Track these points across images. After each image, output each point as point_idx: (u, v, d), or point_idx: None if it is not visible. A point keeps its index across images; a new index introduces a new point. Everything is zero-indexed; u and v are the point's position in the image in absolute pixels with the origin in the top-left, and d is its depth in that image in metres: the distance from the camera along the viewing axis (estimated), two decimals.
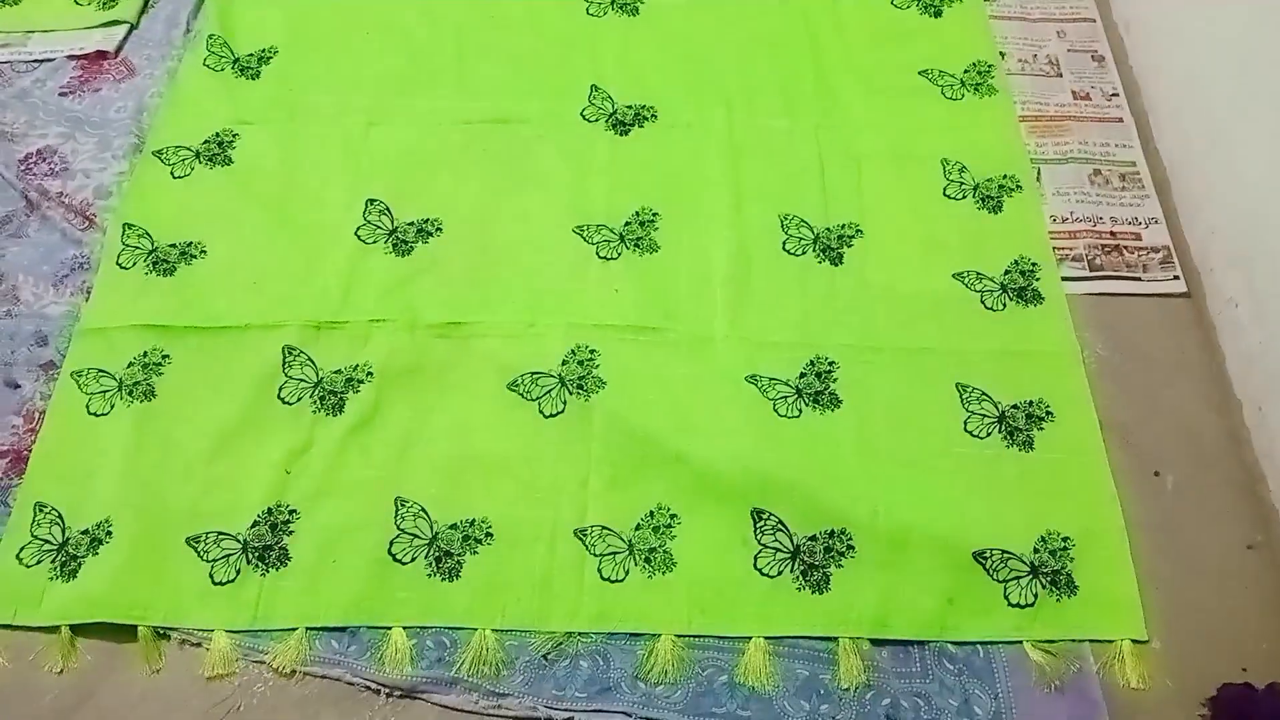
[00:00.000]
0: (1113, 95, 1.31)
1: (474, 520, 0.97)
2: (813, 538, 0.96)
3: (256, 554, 0.95)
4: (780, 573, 0.95)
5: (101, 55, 1.33)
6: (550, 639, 0.92)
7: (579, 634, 0.92)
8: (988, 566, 0.95)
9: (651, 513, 0.98)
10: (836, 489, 0.99)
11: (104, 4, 1.38)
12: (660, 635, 0.92)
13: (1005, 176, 1.22)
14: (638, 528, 0.97)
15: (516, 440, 1.02)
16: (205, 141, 1.24)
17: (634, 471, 1.00)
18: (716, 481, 0.99)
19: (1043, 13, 1.40)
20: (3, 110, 1.27)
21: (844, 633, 0.92)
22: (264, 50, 1.33)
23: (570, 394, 1.04)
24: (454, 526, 0.97)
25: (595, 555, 0.96)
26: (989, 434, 1.03)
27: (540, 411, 1.04)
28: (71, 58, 1.33)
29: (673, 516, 0.97)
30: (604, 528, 0.97)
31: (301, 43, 1.34)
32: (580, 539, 0.96)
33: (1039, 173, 1.23)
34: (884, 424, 1.03)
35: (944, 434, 1.03)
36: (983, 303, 1.12)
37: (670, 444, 1.01)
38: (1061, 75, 1.33)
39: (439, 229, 1.17)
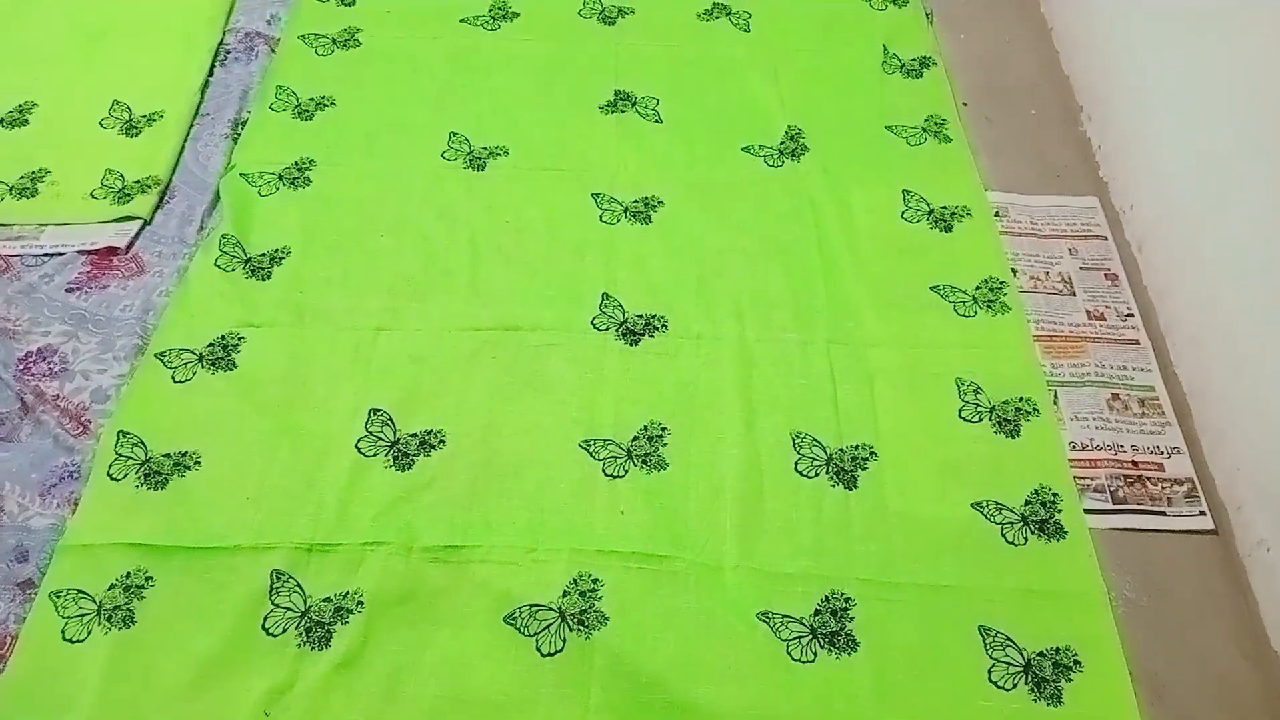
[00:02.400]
0: (1128, 315, 1.30)
1: None
2: None
3: None
4: None
5: (112, 251, 1.33)
6: None
7: None
8: None
9: None
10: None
11: (119, 199, 1.39)
12: None
13: (1021, 399, 1.19)
14: None
15: (511, 681, 0.96)
16: (210, 344, 1.22)
17: (636, 716, 0.93)
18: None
19: (1053, 229, 1.40)
20: (8, 306, 1.26)
21: None
22: (277, 250, 1.33)
23: (570, 630, 0.99)
24: None
25: None
26: (1015, 685, 0.97)
27: (538, 649, 0.98)
28: (82, 253, 1.33)
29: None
30: None
31: (316, 243, 1.34)
32: None
33: (1055, 396, 1.21)
34: (904, 672, 0.97)
35: (968, 684, 0.97)
36: (1004, 536, 1.07)
37: (676, 691, 0.95)
38: (1075, 294, 1.33)
39: (442, 441, 1.13)
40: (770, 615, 1.00)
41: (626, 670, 0.96)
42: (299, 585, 1.01)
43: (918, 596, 1.02)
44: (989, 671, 0.97)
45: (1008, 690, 0.96)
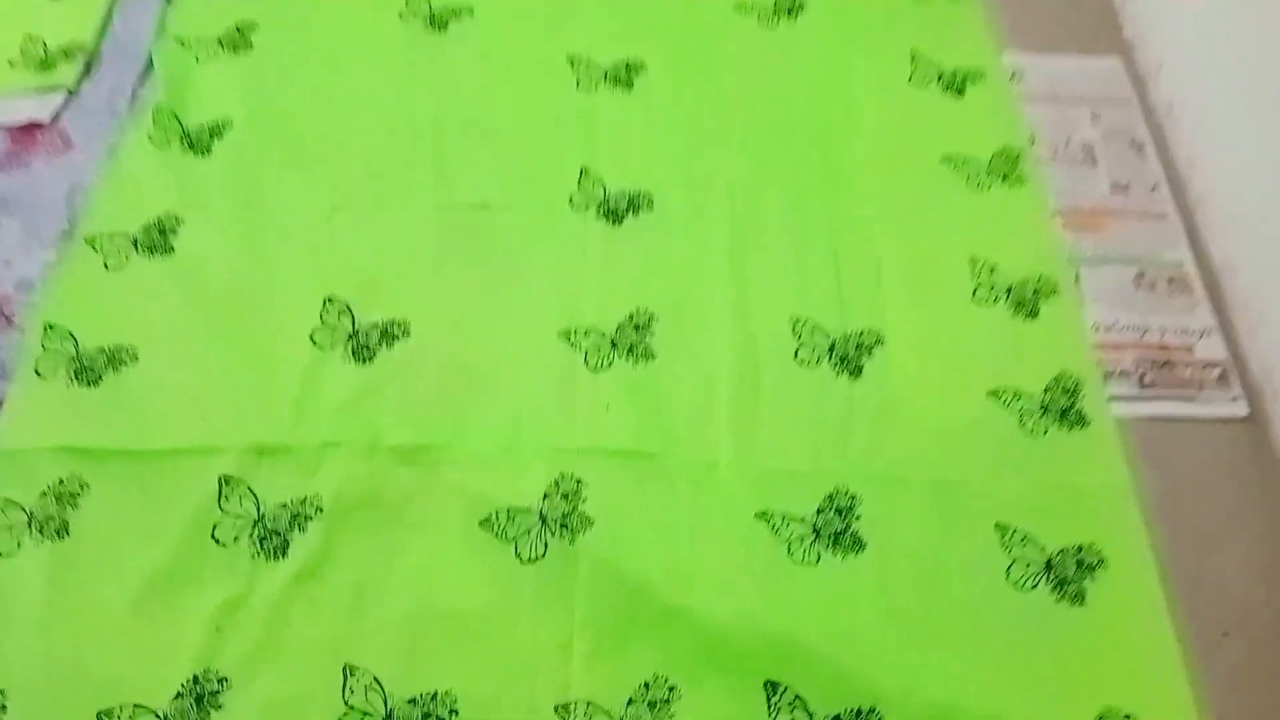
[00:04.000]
0: (1154, 187, 1.20)
1: (436, 694, 0.82)
2: (837, 717, 0.82)
3: None
4: None
5: (34, 126, 1.19)
6: None
7: None
8: None
9: (646, 685, 0.83)
10: (863, 656, 0.84)
11: (41, 68, 1.24)
12: None
13: (1040, 279, 1.09)
14: (630, 703, 0.82)
15: (489, 592, 0.87)
16: (145, 228, 1.10)
17: (625, 633, 0.85)
18: (723, 646, 0.84)
19: (1073, 92, 1.28)
20: None
21: None
22: (217, 123, 1.19)
23: (552, 535, 0.90)
24: (413, 701, 0.82)
25: None
26: (1035, 585, 0.89)
27: (517, 555, 0.89)
28: (0, 129, 1.19)
29: (671, 690, 0.83)
30: (590, 704, 0.82)
31: (260, 115, 1.20)
32: (562, 718, 0.81)
33: (1077, 275, 1.11)
34: (914, 573, 0.90)
35: (983, 585, 0.89)
36: (1022, 426, 0.99)
37: (667, 598, 0.86)
38: (1097, 164, 1.21)
39: (406, 332, 1.03)
40: (769, 515, 0.92)
41: (614, 577, 0.88)
42: (251, 491, 0.92)
43: (929, 493, 0.94)
44: (1007, 571, 0.90)
45: (1027, 590, 0.89)
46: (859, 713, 0.82)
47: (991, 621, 0.87)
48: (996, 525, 0.92)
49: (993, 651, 0.86)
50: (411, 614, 0.86)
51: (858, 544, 0.91)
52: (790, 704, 0.82)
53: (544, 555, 0.89)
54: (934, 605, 0.88)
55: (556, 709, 0.82)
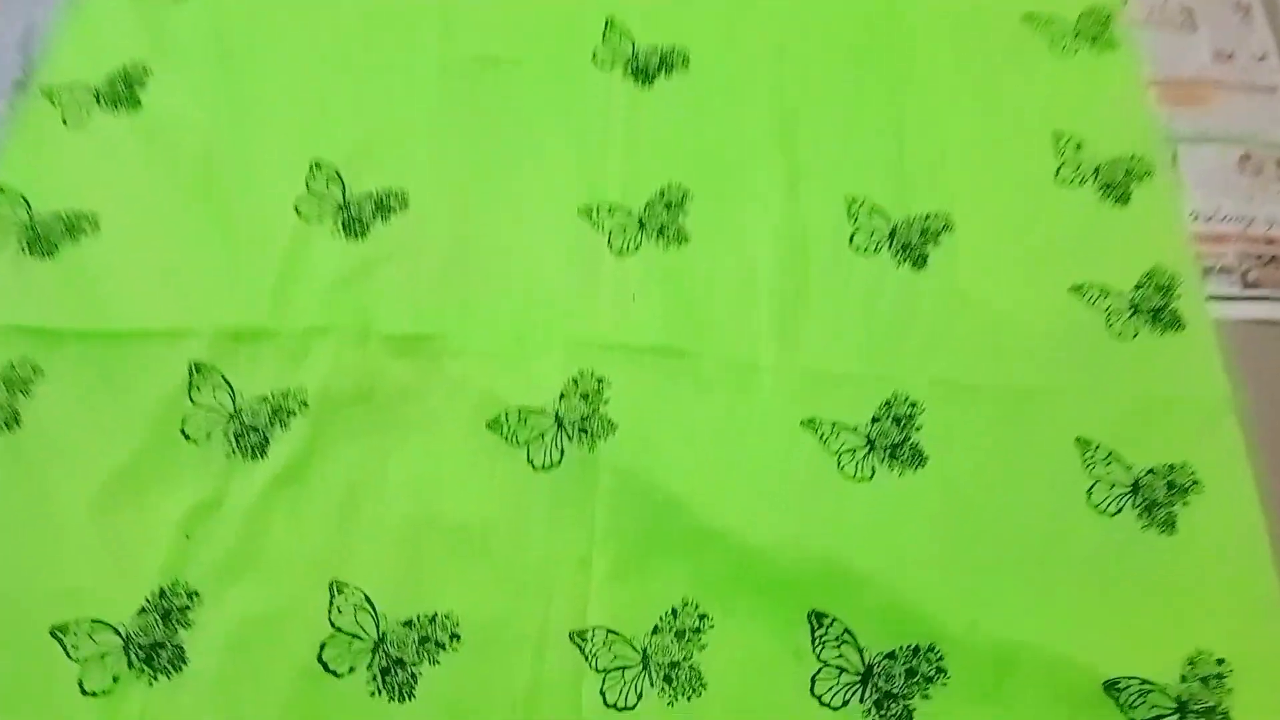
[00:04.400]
0: (1263, 57, 1.04)
1: (435, 616, 0.72)
2: (890, 655, 0.72)
3: (142, 654, 0.71)
4: (846, 702, 0.71)
5: None
6: None
7: None
8: (1122, 701, 0.71)
9: (674, 611, 0.73)
10: (921, 586, 0.74)
11: None
12: None
13: (1132, 158, 0.95)
14: (655, 632, 0.72)
15: (497, 502, 0.77)
16: (109, 78, 0.96)
17: (651, 553, 0.75)
18: (762, 570, 0.74)
19: None
20: None
21: None
22: None
23: (569, 440, 0.79)
24: (408, 624, 0.72)
25: (598, 671, 0.71)
26: (1119, 508, 0.78)
27: (529, 461, 0.78)
28: None
29: (702, 618, 0.73)
30: (610, 631, 0.72)
31: None
32: (578, 646, 0.72)
33: (1174, 155, 0.96)
34: (982, 492, 0.78)
35: (1062, 508, 0.78)
36: (1109, 327, 0.86)
37: (700, 515, 0.75)
38: (1198, 29, 1.05)
39: (404, 203, 0.90)
40: (818, 423, 0.80)
41: (639, 489, 0.77)
42: (226, 380, 0.80)
43: (1001, 401, 0.82)
44: (1088, 492, 0.78)
45: (1110, 515, 0.78)
46: (915, 650, 0.72)
47: (1068, 550, 0.76)
48: (1077, 440, 0.80)
49: (1068, 585, 0.75)
50: (408, 525, 0.75)
51: (917, 458, 0.80)
52: (838, 638, 0.72)
53: (559, 462, 0.78)
54: (1003, 530, 0.77)
55: (572, 636, 0.72)
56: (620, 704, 0.70)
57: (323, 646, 0.71)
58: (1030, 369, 0.84)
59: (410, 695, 0.70)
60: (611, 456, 0.78)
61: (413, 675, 0.70)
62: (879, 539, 0.76)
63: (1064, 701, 0.71)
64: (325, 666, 0.70)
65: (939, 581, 0.74)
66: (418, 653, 0.71)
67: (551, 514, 0.76)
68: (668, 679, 0.71)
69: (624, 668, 0.71)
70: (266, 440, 0.78)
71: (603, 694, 0.70)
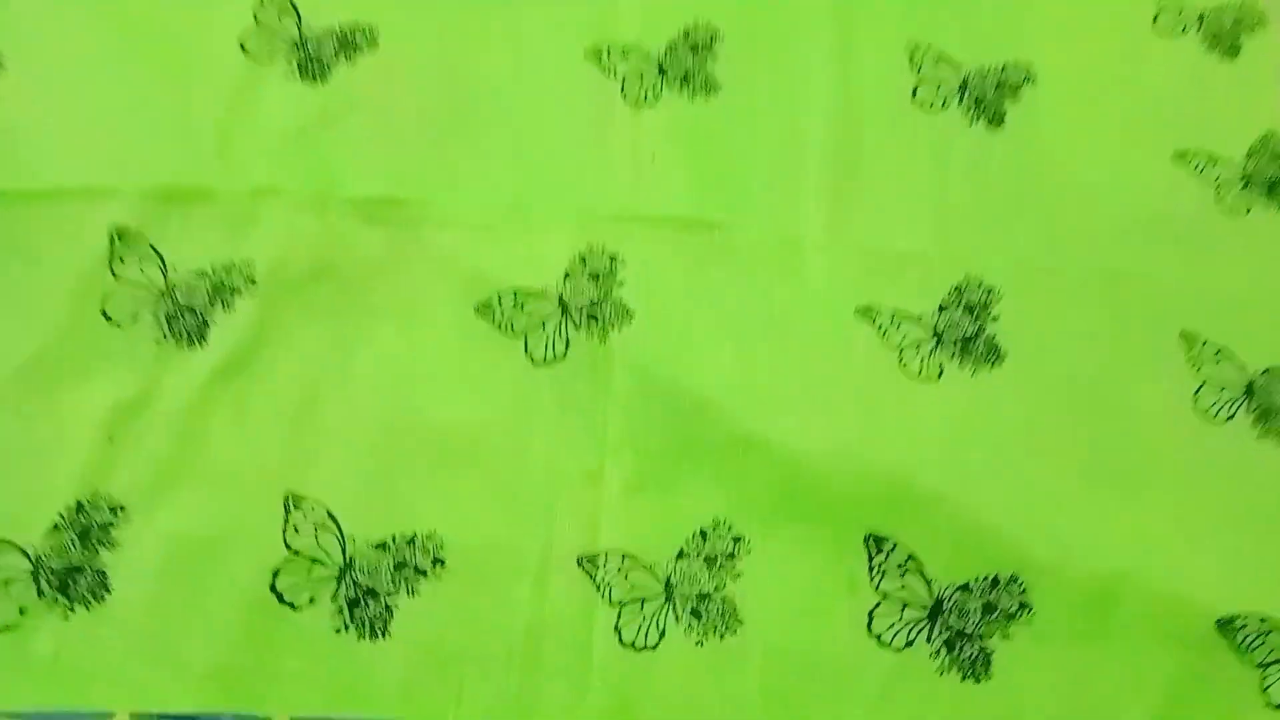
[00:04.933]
0: None
1: (415, 538, 0.59)
2: (964, 587, 0.60)
3: (55, 580, 0.58)
4: (910, 642, 0.59)
5: None
6: None
7: None
8: (1239, 641, 0.59)
9: (703, 533, 0.60)
10: (1001, 505, 0.62)
11: None
12: None
13: (1241, 5, 0.80)
14: (681, 556, 0.60)
15: (488, 401, 0.63)
16: None
17: (674, 463, 0.62)
18: (809, 485, 0.61)
19: None
20: None
21: None
22: None
23: (577, 328, 0.65)
24: (381, 547, 0.59)
25: (612, 603, 0.59)
26: (1232, 414, 0.66)
27: (528, 354, 0.64)
28: None
29: (737, 541, 0.60)
30: (626, 556, 0.60)
31: None
32: (588, 573, 0.59)
33: None
34: (1071, 395, 0.66)
35: (1165, 414, 0.66)
36: (1218, 201, 0.72)
37: (734, 420, 0.63)
38: None
39: (372, 41, 0.74)
40: (874, 312, 0.67)
41: (660, 389, 0.64)
42: (155, 250, 0.66)
43: (1092, 287, 0.69)
44: (1195, 395, 0.67)
45: (1221, 421, 0.66)
46: (994, 581, 0.60)
47: (1173, 463, 0.64)
48: (1182, 334, 0.68)
49: (1174, 504, 0.63)
50: (380, 429, 0.62)
51: (994, 353, 0.67)
52: (901, 566, 0.60)
53: (565, 355, 0.64)
54: (1096, 440, 0.64)
55: (581, 562, 0.59)
56: (639, 643, 0.58)
57: (276, 573, 0.58)
58: (1126, 250, 0.70)
59: (383, 632, 0.57)
60: (627, 349, 0.64)
61: (387, 608, 0.58)
62: (949, 449, 0.63)
63: (1170, 642, 0.59)
64: (279, 597, 0.58)
65: (1021, 500, 0.62)
66: (393, 581, 0.58)
67: (555, 417, 0.63)
68: (696, 614, 0.59)
69: (643, 600, 0.59)
70: (205, 324, 0.64)
71: (618, 631, 0.58)
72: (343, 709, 0.56)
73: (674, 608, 0.59)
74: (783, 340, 0.66)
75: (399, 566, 0.59)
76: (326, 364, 0.63)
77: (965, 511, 0.61)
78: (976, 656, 0.58)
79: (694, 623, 0.59)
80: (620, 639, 0.58)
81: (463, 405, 0.63)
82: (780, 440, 0.62)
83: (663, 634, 0.58)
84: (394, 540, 0.59)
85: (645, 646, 0.58)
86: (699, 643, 0.58)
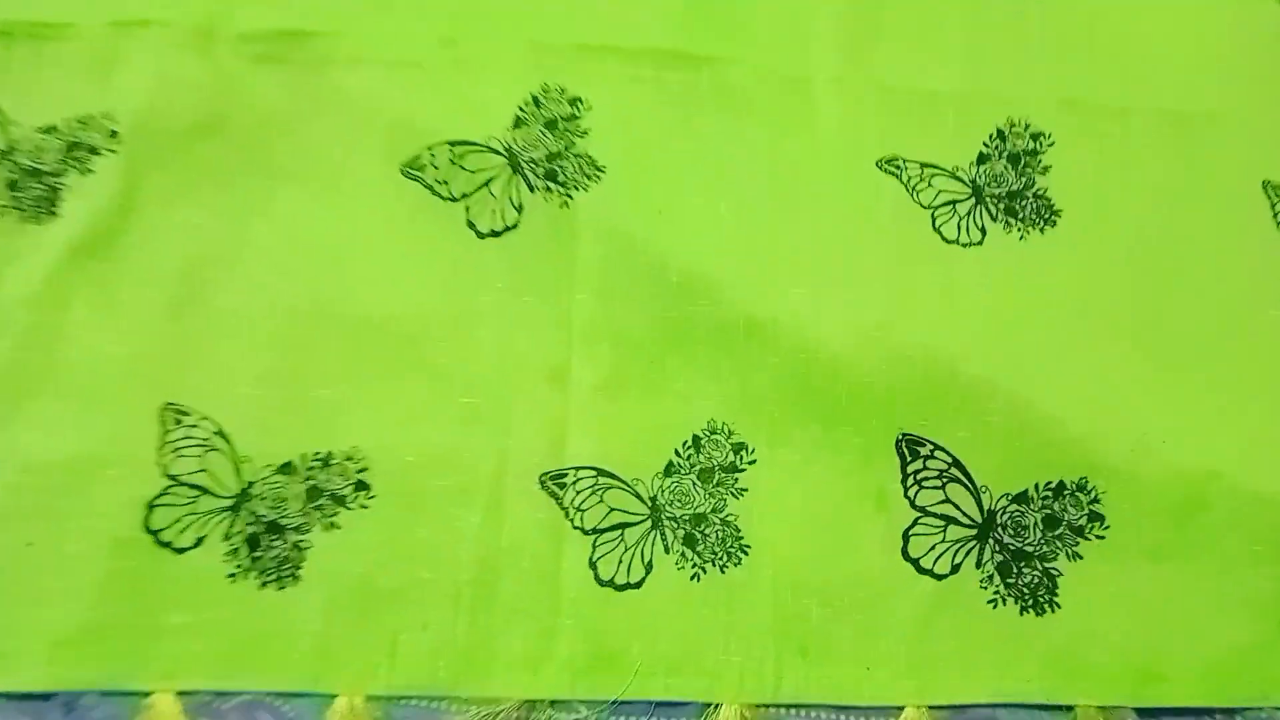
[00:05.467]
0: None
1: (330, 457, 0.47)
2: (1021, 497, 0.48)
3: None
4: (956, 567, 0.47)
5: None
6: (492, 715, 0.44)
7: (550, 705, 0.44)
8: None
9: (696, 440, 0.48)
10: (1063, 396, 0.50)
11: None
12: (719, 706, 0.45)
13: None
14: (669, 472, 0.48)
15: (421, 284, 0.50)
16: None
17: (660, 354, 0.50)
18: (827, 376, 0.49)
19: None
20: None
21: (1085, 699, 0.46)
22: None
23: (531, 190, 0.52)
24: (287, 469, 0.46)
25: (585, 532, 0.47)
26: None
27: (470, 224, 0.51)
28: None
29: (739, 450, 0.48)
30: (601, 473, 0.47)
31: None
32: (554, 495, 0.47)
33: None
34: (1140, 260, 0.54)
35: (1250, 281, 0.54)
36: None
37: (732, 297, 0.50)
38: None
39: None
40: (900, 165, 0.54)
41: (640, 263, 0.51)
42: None
43: (1160, 132, 0.57)
44: None
45: None
46: (1058, 488, 0.49)
47: (1262, 343, 0.53)
48: (1265, 185, 0.55)
49: (1269, 389, 0.51)
50: (286, 320, 0.49)
51: (1045, 212, 0.54)
52: (941, 473, 0.48)
53: (517, 224, 0.51)
54: (1170, 315, 0.53)
55: (544, 480, 0.47)
56: (620, 579, 0.46)
57: (151, 506, 0.45)
58: (1200, 87, 0.58)
59: (292, 577, 0.45)
60: (596, 214, 0.51)
61: (296, 547, 0.45)
62: (997, 329, 0.51)
63: (1264, 550, 0.48)
64: (156, 536, 0.45)
65: (1087, 389, 0.50)
66: (304, 513, 0.46)
67: (508, 301, 0.50)
68: (690, 541, 0.47)
69: (624, 526, 0.47)
70: (56, 192, 0.50)
71: (593, 566, 0.46)
72: (241, 677, 0.43)
73: (662, 535, 0.47)
74: (790, 200, 0.53)
75: (312, 494, 0.46)
76: (213, 239, 0.50)
77: (1019, 404, 0.49)
78: (1039, 582, 0.47)
79: (688, 553, 0.47)
80: (596, 575, 0.46)
81: (389, 289, 0.50)
82: (790, 322, 0.50)
83: (649, 568, 0.47)
84: (304, 461, 0.46)
85: (628, 584, 0.46)
86: (694, 576, 0.47)
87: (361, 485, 0.46)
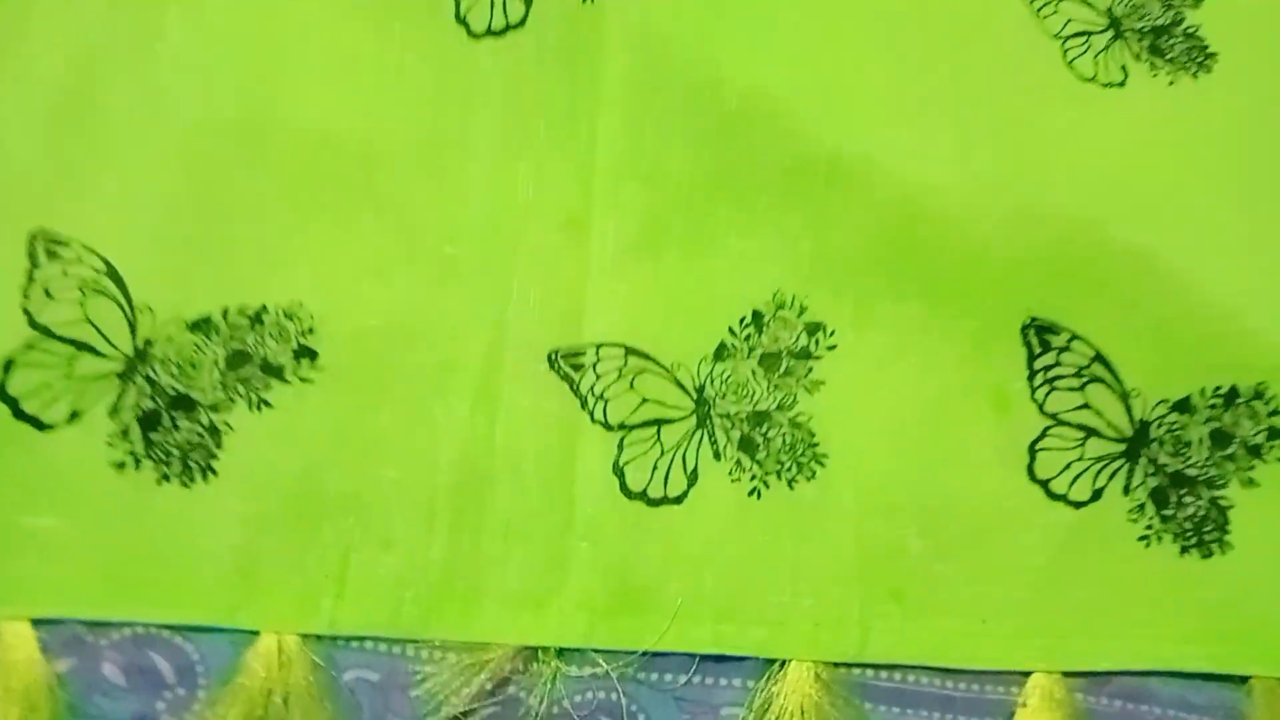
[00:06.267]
0: None
1: (264, 311, 0.34)
2: (1181, 405, 0.37)
3: None
4: (1098, 492, 0.36)
5: None
6: (476, 666, 0.32)
7: (557, 656, 0.33)
8: None
9: (757, 316, 0.36)
10: (1234, 278, 0.38)
11: None
12: (785, 663, 0.33)
13: None
14: (721, 355, 0.36)
15: (394, 96, 0.38)
16: None
17: (710, 201, 0.38)
18: (931, 241, 0.38)
19: None
20: None
21: (1263, 668, 0.35)
22: None
23: None
24: (202, 327, 0.34)
25: (609, 427, 0.35)
26: None
27: (460, 19, 0.39)
28: None
29: (814, 330, 0.36)
30: (631, 351, 0.35)
31: None
32: (567, 379, 0.35)
33: None
34: None
35: None
36: None
37: (810, 131, 0.38)
38: None
39: None
40: None
41: (685, 80, 0.39)
42: None
43: None
44: None
45: None
46: (1230, 395, 0.37)
47: None
48: None
49: None
50: (208, 134, 0.36)
51: (1197, 54, 0.42)
52: (1080, 370, 0.37)
53: (523, 20, 0.39)
54: None
55: (554, 359, 0.35)
56: (654, 492, 0.34)
57: (8, 364, 0.33)
58: None
59: (204, 469, 0.33)
60: (628, 11, 0.39)
61: (212, 429, 0.33)
62: (1149, 190, 0.39)
63: None
64: (14, 406, 0.33)
65: (1263, 268, 0.39)
66: (223, 384, 0.33)
67: (507, 122, 0.38)
68: (748, 446, 0.35)
69: (660, 422, 0.35)
70: None
71: (619, 472, 0.34)
72: (126, 604, 0.31)
73: (711, 436, 0.35)
74: (885, 18, 0.40)
75: (235, 360, 0.34)
76: (108, 28, 0.37)
77: (1178, 285, 0.38)
78: (1204, 512, 0.36)
79: (744, 460, 0.35)
80: (623, 485, 0.34)
81: (347, 98, 0.37)
82: (885, 165, 0.38)
83: (693, 478, 0.35)
84: (226, 316, 0.34)
85: (664, 498, 0.34)
86: (753, 492, 0.35)
87: (304, 351, 0.34)
